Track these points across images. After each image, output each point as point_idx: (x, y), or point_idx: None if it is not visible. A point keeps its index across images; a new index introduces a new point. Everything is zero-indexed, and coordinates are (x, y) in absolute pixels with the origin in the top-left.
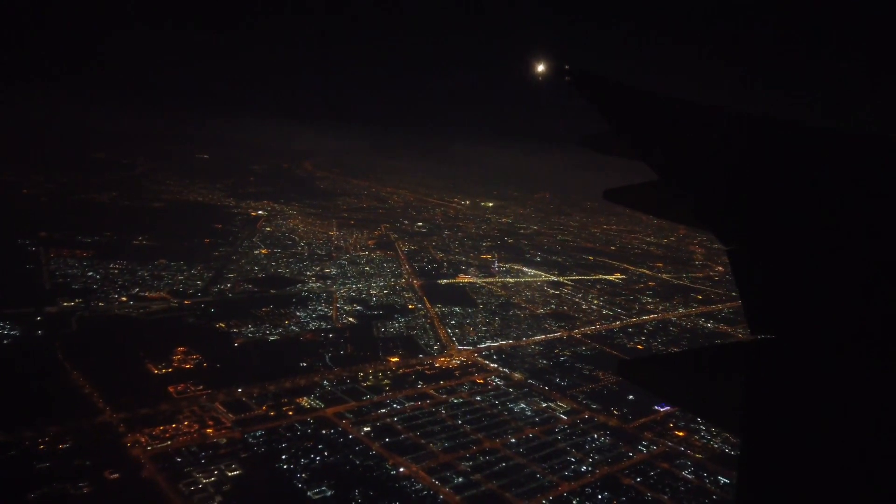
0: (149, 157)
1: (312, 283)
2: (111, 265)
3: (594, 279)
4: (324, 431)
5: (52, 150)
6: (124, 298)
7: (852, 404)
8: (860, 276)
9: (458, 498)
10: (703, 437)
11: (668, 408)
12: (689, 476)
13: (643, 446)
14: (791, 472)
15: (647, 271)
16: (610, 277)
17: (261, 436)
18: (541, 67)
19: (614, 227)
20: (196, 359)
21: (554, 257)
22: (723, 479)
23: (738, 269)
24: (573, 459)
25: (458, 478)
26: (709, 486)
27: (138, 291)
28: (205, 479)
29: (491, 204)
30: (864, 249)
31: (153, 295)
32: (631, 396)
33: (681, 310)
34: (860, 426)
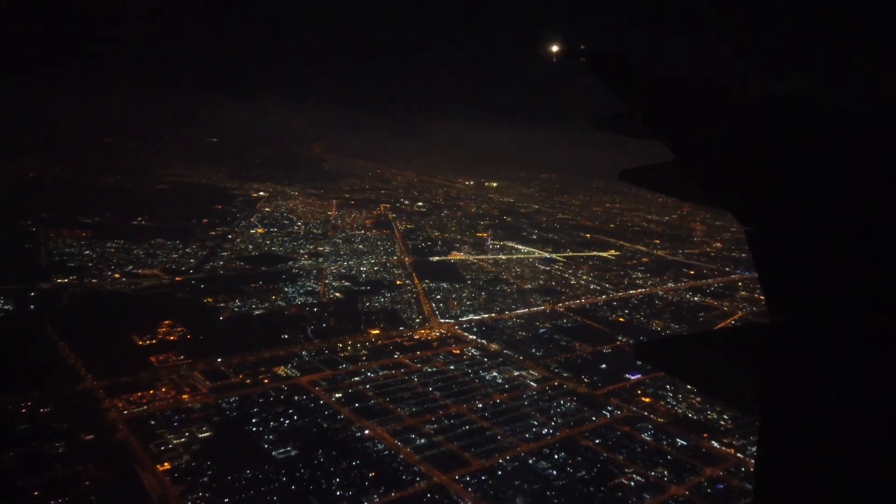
0: (157, 141)
1: (304, 260)
2: (108, 244)
3: (587, 256)
4: (296, 398)
5: (61, 135)
6: (117, 275)
7: (870, 386)
8: (880, 257)
9: (417, 457)
10: (668, 403)
11: (639, 376)
12: (647, 438)
13: (607, 411)
14: (808, 453)
15: (642, 248)
16: (604, 254)
17: (234, 402)
18: (554, 48)
19: (617, 205)
20: (180, 331)
21: (550, 235)
22: (681, 442)
23: (756, 250)
24: (536, 423)
25: (420, 439)
26: (666, 447)
27: (132, 269)
28: (175, 440)
29: (495, 184)
30: (885, 230)
31: (146, 272)
32: (603, 365)
33: (670, 284)
34: (877, 409)
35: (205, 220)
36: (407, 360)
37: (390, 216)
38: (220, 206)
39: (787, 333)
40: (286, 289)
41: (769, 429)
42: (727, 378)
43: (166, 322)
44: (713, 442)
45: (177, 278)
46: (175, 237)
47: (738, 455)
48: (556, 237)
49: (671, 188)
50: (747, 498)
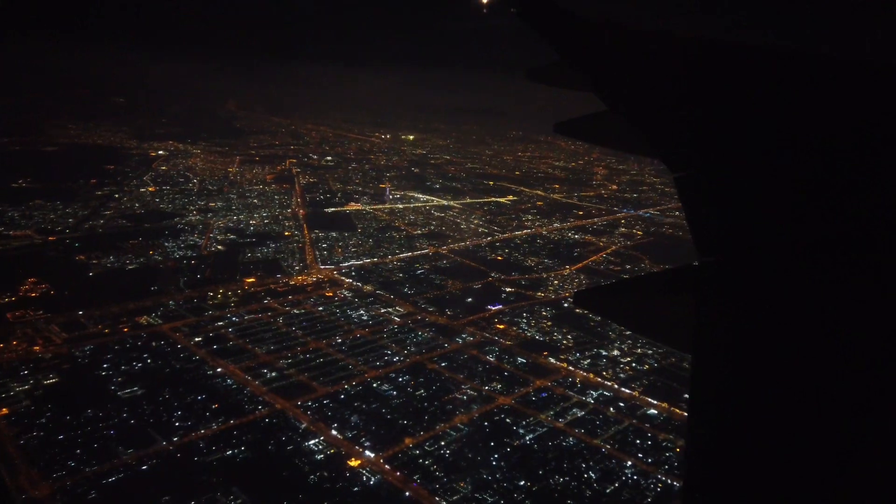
0: (58, 100)
1: (192, 216)
2: None
3: (484, 202)
4: (153, 343)
5: None
6: None
7: (797, 321)
8: (808, 196)
9: (264, 389)
10: (519, 328)
11: (500, 306)
12: (491, 359)
13: (461, 338)
14: (736, 383)
15: (540, 192)
16: (501, 200)
17: (88, 350)
18: None
19: (528, 153)
20: (44, 288)
21: (454, 184)
22: (520, 360)
23: (685, 195)
24: (389, 352)
25: (271, 373)
26: (506, 366)
27: (2, 230)
28: (18, 387)
29: (412, 137)
30: (813, 170)
31: (17, 233)
32: (470, 299)
33: (556, 225)
34: (802, 341)
35: (93, 181)
36: (276, 305)
37: (294, 171)
38: (111, 167)
39: (715, 273)
40: (166, 244)
41: (700, 363)
42: (661, 318)
43: (30, 280)
44: (550, 358)
45: (50, 238)
46: (56, 198)
47: (570, 368)
48: (458, 186)
49: (603, 138)
50: (566, 402)
